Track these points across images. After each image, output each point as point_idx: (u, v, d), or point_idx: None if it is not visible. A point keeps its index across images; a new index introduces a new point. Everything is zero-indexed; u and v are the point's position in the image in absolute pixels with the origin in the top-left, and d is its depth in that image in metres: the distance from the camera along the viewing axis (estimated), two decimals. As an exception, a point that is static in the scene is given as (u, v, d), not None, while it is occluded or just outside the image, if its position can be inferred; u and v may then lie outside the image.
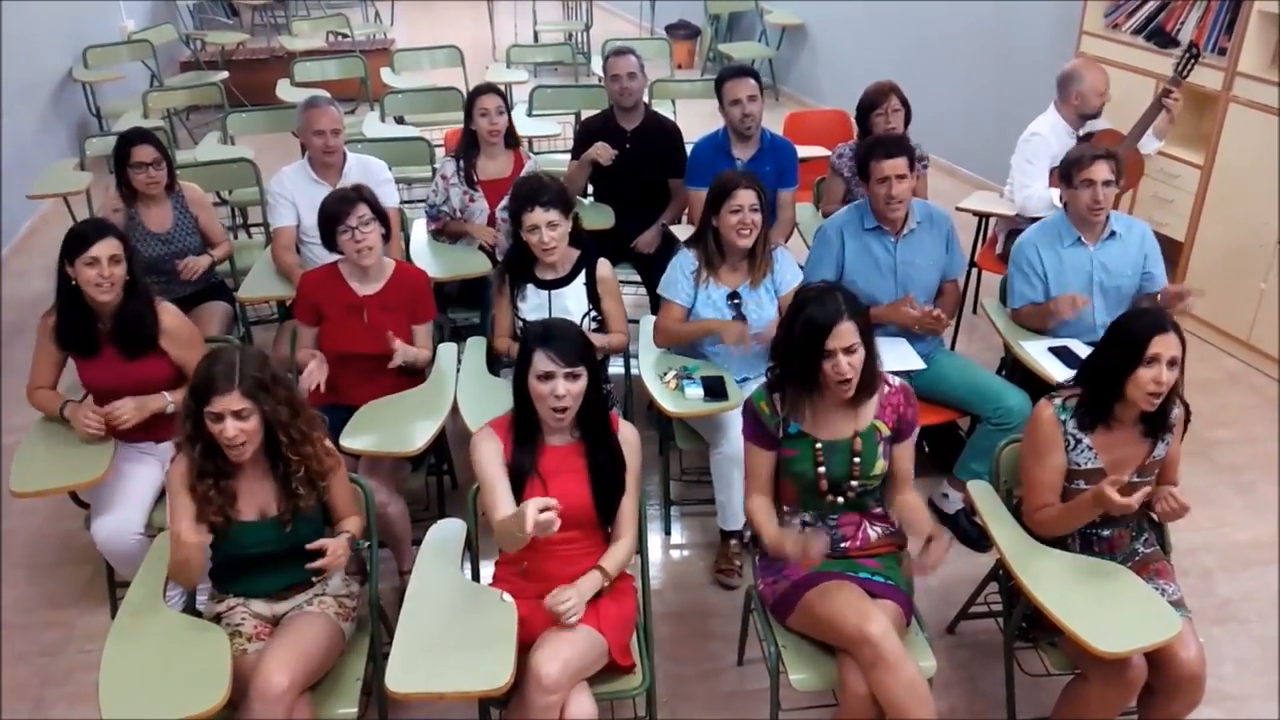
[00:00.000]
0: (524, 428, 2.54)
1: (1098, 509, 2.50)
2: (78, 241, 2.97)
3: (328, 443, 2.60)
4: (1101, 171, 3.37)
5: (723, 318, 3.40)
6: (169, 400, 3.05)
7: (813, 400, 2.56)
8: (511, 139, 4.31)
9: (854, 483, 2.59)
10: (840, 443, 2.59)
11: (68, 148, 6.92)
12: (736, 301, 3.41)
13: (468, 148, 4.26)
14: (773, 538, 2.51)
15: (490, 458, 2.53)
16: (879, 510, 2.72)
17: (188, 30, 9.54)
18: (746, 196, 3.29)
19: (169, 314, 3.14)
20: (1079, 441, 2.61)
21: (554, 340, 2.44)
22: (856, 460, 2.58)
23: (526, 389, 2.49)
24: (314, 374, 3.23)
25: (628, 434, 2.61)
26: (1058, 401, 2.63)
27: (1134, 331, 2.48)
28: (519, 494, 2.50)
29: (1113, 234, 3.51)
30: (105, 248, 2.96)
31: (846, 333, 2.46)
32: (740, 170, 3.35)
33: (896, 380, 2.68)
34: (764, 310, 3.42)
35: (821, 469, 2.58)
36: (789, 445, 2.60)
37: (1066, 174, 3.46)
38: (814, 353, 2.48)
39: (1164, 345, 2.44)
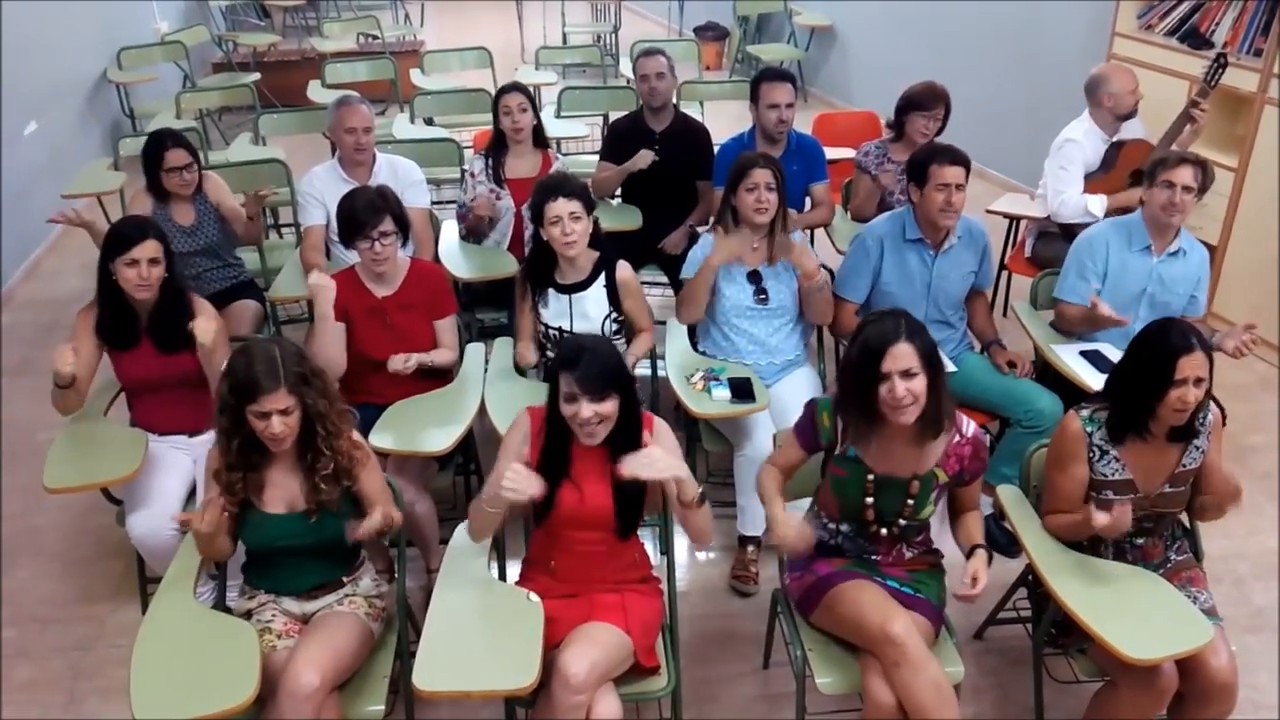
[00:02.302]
0: (555, 430, 2.51)
1: (1088, 529, 2.48)
2: (120, 241, 3.02)
3: (356, 436, 2.61)
4: (1185, 175, 3.30)
5: (745, 295, 3.44)
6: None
7: (876, 432, 2.50)
8: (540, 139, 4.32)
9: (903, 521, 2.57)
10: (897, 481, 2.53)
11: (102, 148, 7.00)
12: (759, 281, 3.43)
13: (496, 146, 4.28)
14: (777, 517, 2.54)
15: (513, 446, 2.55)
16: (919, 539, 2.69)
17: (220, 32, 9.62)
18: (762, 175, 3.32)
19: (204, 314, 3.16)
20: (1106, 453, 2.58)
21: (579, 365, 2.38)
22: (910, 502, 2.54)
23: (558, 404, 2.46)
24: (321, 281, 3.27)
25: (660, 431, 2.57)
26: (1085, 413, 2.61)
27: (1160, 352, 2.44)
28: (552, 494, 2.50)
29: (1179, 251, 3.46)
30: (145, 250, 3.01)
31: (904, 355, 2.37)
32: (759, 152, 3.38)
33: (971, 430, 2.57)
34: (784, 287, 3.45)
35: (870, 500, 2.54)
36: (840, 464, 2.57)
37: (1151, 172, 3.39)
38: (870, 377, 2.40)
39: (1190, 367, 2.40)
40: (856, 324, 2.60)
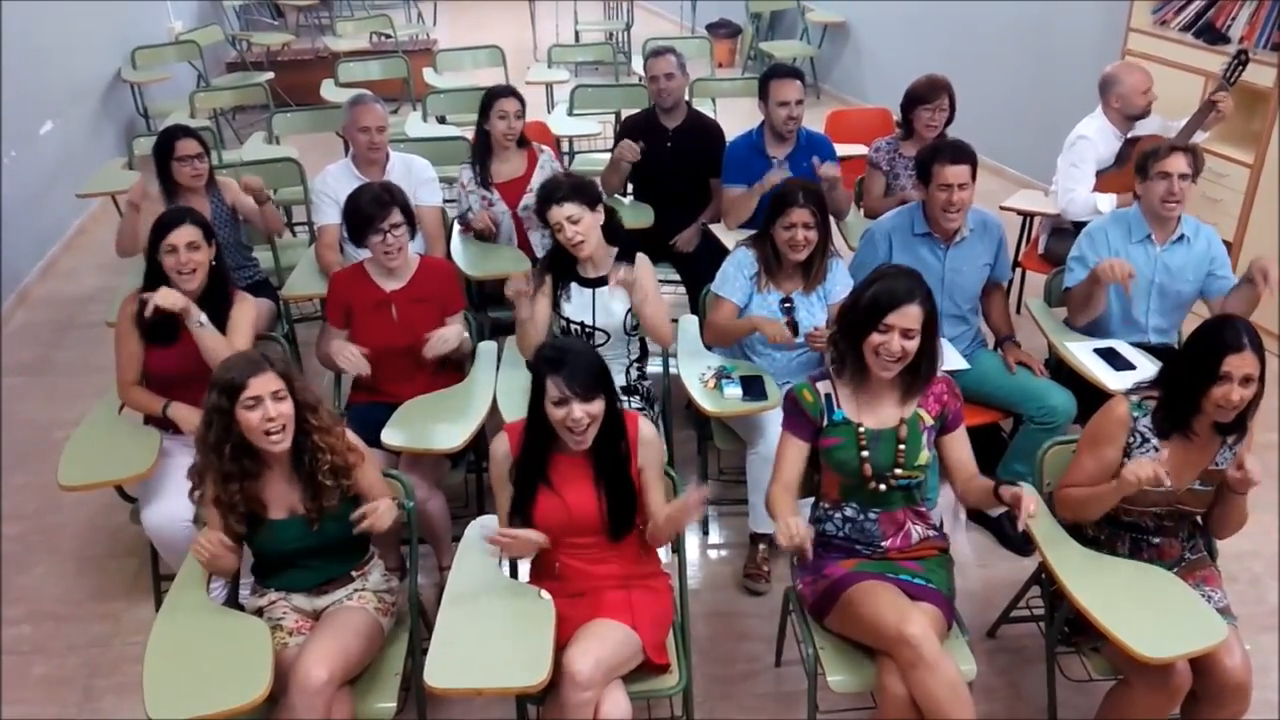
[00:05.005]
0: (535, 437, 2.52)
1: (1120, 492, 2.47)
2: (159, 230, 3.06)
3: (350, 436, 2.61)
4: (1179, 164, 3.32)
5: (773, 317, 3.39)
6: (202, 315, 3.06)
7: (861, 383, 2.57)
8: (522, 138, 4.28)
9: (898, 471, 2.57)
10: (885, 430, 2.57)
11: (116, 148, 7.03)
12: (789, 305, 3.40)
13: (481, 151, 4.25)
14: (784, 521, 2.45)
15: (499, 468, 2.57)
16: (922, 508, 2.69)
17: (234, 31, 9.66)
18: (801, 215, 3.25)
19: (244, 302, 3.24)
20: (1146, 441, 2.57)
21: (565, 367, 2.40)
22: (901, 448, 2.56)
23: (542, 409, 2.46)
24: (353, 355, 3.25)
25: (646, 433, 2.58)
26: (1134, 399, 2.60)
27: (1209, 348, 2.43)
28: (530, 501, 2.52)
29: (1182, 237, 3.46)
30: (181, 235, 3.05)
31: (912, 316, 2.46)
32: (802, 182, 3.34)
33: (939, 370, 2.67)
34: (814, 316, 3.40)
35: (865, 454, 2.56)
36: (832, 433, 2.58)
37: (1142, 166, 3.40)
38: (870, 324, 2.47)
39: (1237, 364, 2.39)
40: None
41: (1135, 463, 2.43)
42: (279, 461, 2.51)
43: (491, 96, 4.22)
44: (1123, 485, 2.44)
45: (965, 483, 2.66)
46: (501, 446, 2.57)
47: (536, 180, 4.17)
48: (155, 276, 3.12)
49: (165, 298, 3.01)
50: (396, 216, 3.27)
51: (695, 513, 2.44)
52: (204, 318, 3.05)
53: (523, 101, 4.24)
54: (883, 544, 2.63)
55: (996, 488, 2.51)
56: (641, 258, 3.45)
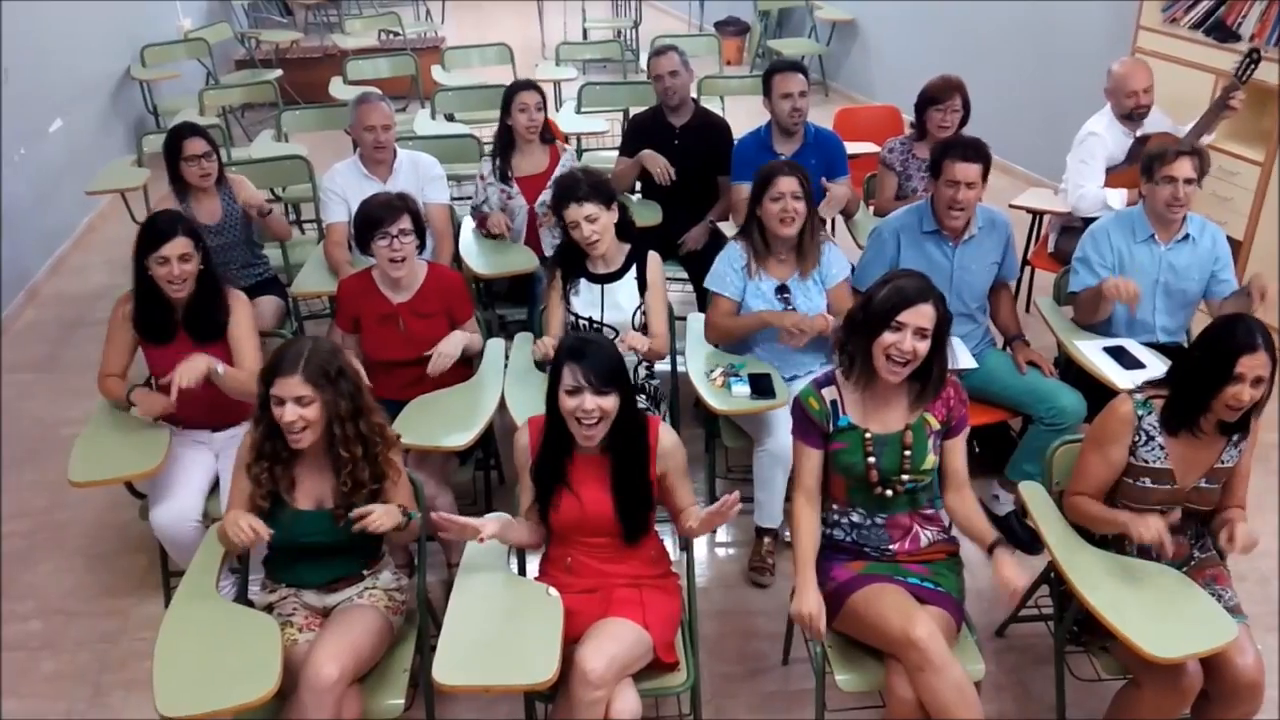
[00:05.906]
0: (554, 434, 2.53)
1: (1124, 531, 2.49)
2: (150, 239, 3.04)
3: (394, 455, 2.61)
4: (1184, 168, 3.30)
5: (773, 310, 3.38)
6: (217, 364, 3.02)
7: (869, 388, 2.55)
8: (547, 134, 4.30)
9: (904, 476, 2.56)
10: (890, 436, 2.56)
11: (126, 145, 7.05)
12: (785, 294, 3.39)
13: (504, 145, 4.26)
14: (805, 588, 2.50)
15: (520, 457, 2.61)
16: (930, 511, 2.69)
17: (242, 29, 9.66)
18: (788, 184, 3.25)
19: (239, 304, 3.22)
20: (1151, 439, 2.56)
21: (585, 357, 2.42)
22: (907, 454, 2.55)
23: (558, 401, 2.47)
24: None
25: (666, 443, 2.58)
26: (1139, 398, 2.59)
27: (1223, 348, 2.42)
28: (548, 499, 2.54)
29: (1186, 236, 3.45)
30: (175, 247, 3.03)
31: (924, 315, 2.44)
32: (784, 159, 3.31)
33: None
34: (812, 302, 3.40)
35: (871, 460, 2.55)
36: (838, 438, 2.58)
37: (1148, 168, 3.39)
38: (884, 321, 2.45)
39: (1251, 364, 2.38)
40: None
41: (1144, 522, 2.45)
42: (311, 454, 2.52)
43: (511, 91, 4.24)
44: (1128, 529, 2.47)
45: (952, 495, 2.66)
46: (523, 439, 2.60)
47: None
48: (143, 281, 3.10)
49: (185, 377, 2.94)
50: (406, 223, 3.26)
51: (731, 515, 2.45)
52: (220, 367, 3.02)
53: (543, 94, 4.24)
54: (890, 547, 2.63)
55: (992, 549, 2.49)
56: (653, 255, 3.45)
